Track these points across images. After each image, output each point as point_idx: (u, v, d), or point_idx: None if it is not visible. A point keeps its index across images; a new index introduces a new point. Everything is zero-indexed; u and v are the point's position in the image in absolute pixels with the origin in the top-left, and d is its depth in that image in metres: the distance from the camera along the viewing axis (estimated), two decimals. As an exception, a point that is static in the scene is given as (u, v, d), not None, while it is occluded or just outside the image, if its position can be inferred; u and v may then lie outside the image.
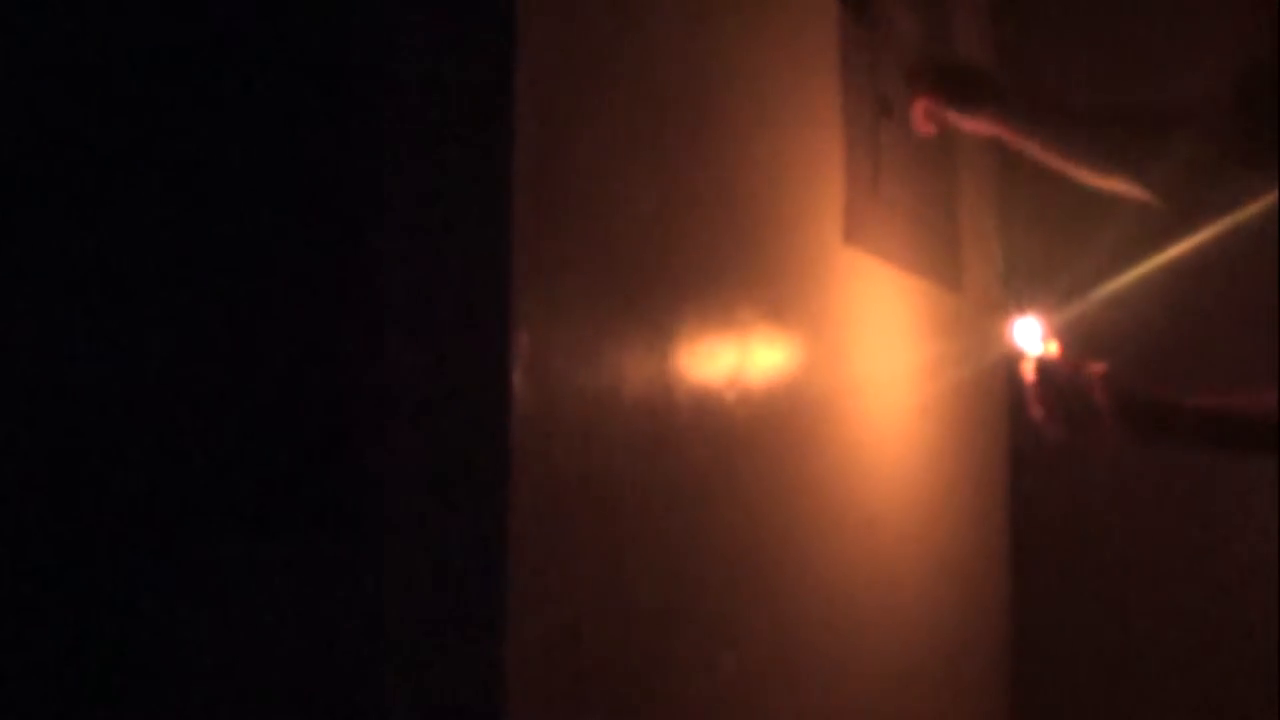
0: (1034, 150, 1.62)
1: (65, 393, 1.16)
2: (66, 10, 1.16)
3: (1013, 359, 1.56)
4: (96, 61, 1.16)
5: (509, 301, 0.99)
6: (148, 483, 1.13)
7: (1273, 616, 1.93)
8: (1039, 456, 2.07)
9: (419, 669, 1.00)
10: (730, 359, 1.30)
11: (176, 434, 1.13)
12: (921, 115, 1.65)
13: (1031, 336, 1.52)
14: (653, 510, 1.16)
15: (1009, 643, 2.11)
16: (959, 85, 1.63)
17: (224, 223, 1.13)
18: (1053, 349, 1.52)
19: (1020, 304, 1.63)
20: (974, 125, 1.65)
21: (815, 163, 1.50)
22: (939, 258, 1.83)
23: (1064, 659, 2.10)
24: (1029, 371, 1.51)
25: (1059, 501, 2.12)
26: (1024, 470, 2.11)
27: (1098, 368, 1.49)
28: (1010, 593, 2.11)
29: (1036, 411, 1.51)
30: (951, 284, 1.87)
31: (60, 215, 1.17)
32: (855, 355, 1.59)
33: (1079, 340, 1.54)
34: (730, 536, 1.29)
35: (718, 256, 1.29)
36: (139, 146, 1.15)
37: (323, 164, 1.09)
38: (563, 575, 1.03)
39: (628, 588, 1.12)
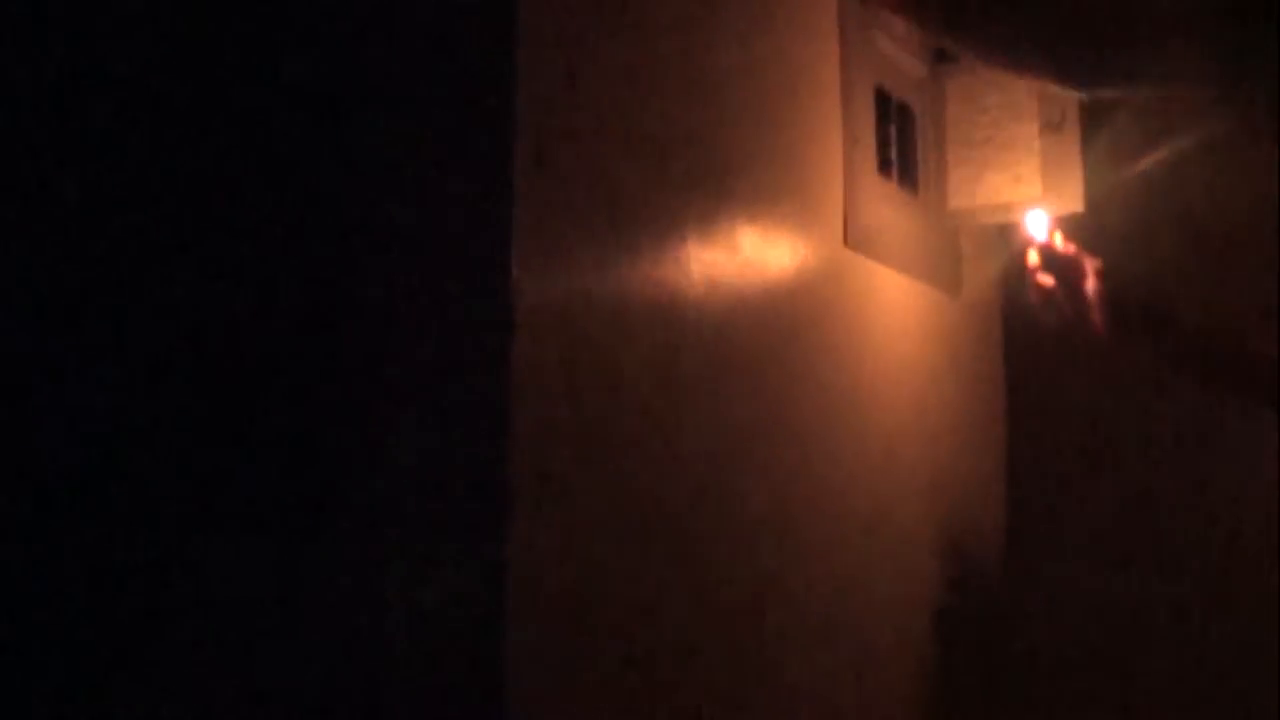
0: None
1: (63, 391, 1.16)
2: (69, 16, 1.16)
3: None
4: (96, 63, 1.16)
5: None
6: (142, 475, 1.12)
7: (1273, 564, 1.94)
8: (1038, 457, 2.08)
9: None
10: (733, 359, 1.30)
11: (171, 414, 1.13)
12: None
13: (1039, 225, 1.64)
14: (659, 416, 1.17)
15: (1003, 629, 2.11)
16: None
17: (215, 204, 1.12)
18: (1058, 240, 1.62)
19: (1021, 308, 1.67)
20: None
21: (816, 165, 1.50)
22: (939, 261, 1.82)
23: (1055, 642, 2.11)
24: (1032, 258, 1.62)
25: (1057, 501, 2.12)
26: (1023, 468, 2.11)
27: (1094, 261, 1.59)
28: (1007, 593, 2.11)
29: (1034, 296, 1.62)
30: (951, 288, 1.87)
31: (60, 213, 1.17)
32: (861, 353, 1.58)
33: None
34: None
35: (719, 258, 1.29)
36: (132, 139, 1.15)
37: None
38: (564, 494, 1.04)
39: (632, 515, 1.13)
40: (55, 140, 1.18)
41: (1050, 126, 1.75)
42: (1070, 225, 1.67)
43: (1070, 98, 1.72)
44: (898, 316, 1.70)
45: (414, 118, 1.04)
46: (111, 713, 1.11)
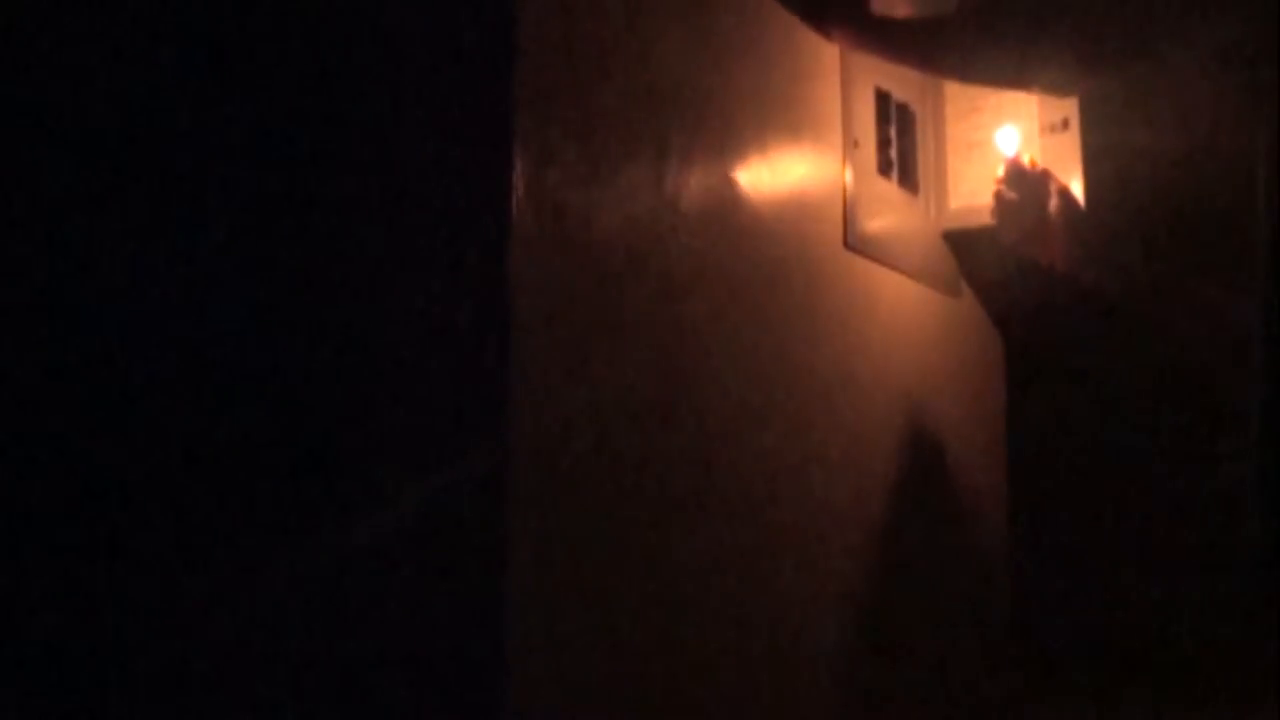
0: None
1: (59, 386, 1.16)
2: (66, 16, 1.16)
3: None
4: (95, 55, 1.16)
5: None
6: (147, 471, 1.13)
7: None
8: (1038, 457, 2.08)
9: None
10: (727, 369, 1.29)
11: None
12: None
13: (1009, 142, 1.67)
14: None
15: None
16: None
17: (214, 199, 1.13)
18: (1025, 158, 1.65)
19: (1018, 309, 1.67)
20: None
21: (816, 165, 1.50)
22: (939, 262, 1.82)
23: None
24: (1000, 173, 1.65)
25: (1058, 501, 2.12)
26: (1023, 468, 2.11)
27: (1059, 182, 1.62)
28: (1008, 593, 2.10)
29: (997, 211, 1.65)
30: (950, 289, 1.86)
31: (60, 210, 1.17)
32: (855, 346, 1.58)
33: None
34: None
35: (716, 258, 1.29)
36: (127, 137, 1.15)
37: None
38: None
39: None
40: (50, 137, 1.18)
41: (1050, 128, 1.75)
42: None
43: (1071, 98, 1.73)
44: (897, 317, 1.70)
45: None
46: (114, 707, 1.11)
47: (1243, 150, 1.33)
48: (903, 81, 1.70)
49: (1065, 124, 1.74)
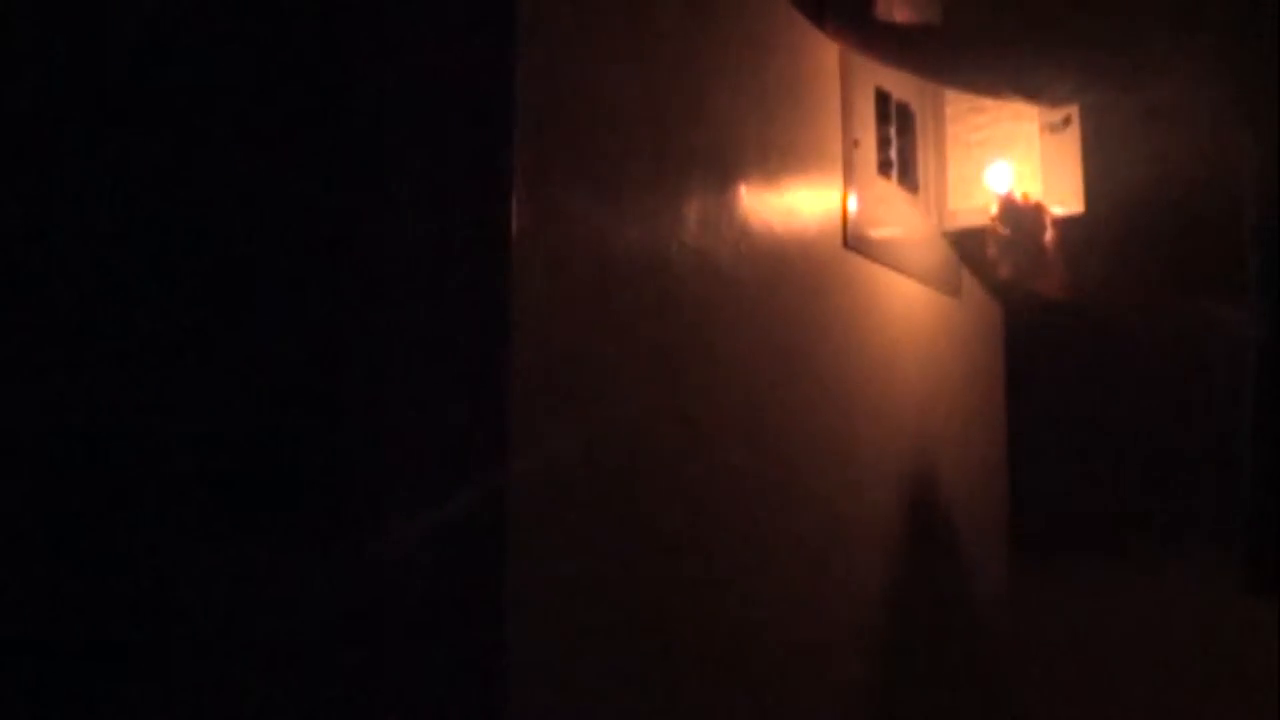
0: None
1: (56, 382, 1.15)
2: (62, 9, 1.16)
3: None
4: (89, 59, 1.16)
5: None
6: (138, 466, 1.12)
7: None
8: (1039, 457, 2.08)
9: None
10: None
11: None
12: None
13: (1002, 177, 1.69)
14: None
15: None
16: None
17: (213, 198, 1.13)
18: (1018, 193, 1.67)
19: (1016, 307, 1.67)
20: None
21: (816, 165, 1.49)
22: (939, 262, 1.82)
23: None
24: (994, 207, 1.66)
25: (1058, 501, 2.12)
26: (1024, 469, 2.11)
27: (1052, 214, 1.64)
28: (1007, 589, 2.11)
29: (991, 246, 1.67)
30: (951, 289, 1.86)
31: (56, 212, 1.17)
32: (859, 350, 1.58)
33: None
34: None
35: (717, 258, 1.28)
36: (124, 137, 1.15)
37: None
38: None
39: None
40: (52, 143, 1.17)
41: (1050, 127, 1.75)
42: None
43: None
44: (898, 317, 1.69)
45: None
46: (111, 707, 1.11)
47: (1238, 160, 1.33)
48: (903, 81, 1.70)
49: (1066, 122, 1.74)
